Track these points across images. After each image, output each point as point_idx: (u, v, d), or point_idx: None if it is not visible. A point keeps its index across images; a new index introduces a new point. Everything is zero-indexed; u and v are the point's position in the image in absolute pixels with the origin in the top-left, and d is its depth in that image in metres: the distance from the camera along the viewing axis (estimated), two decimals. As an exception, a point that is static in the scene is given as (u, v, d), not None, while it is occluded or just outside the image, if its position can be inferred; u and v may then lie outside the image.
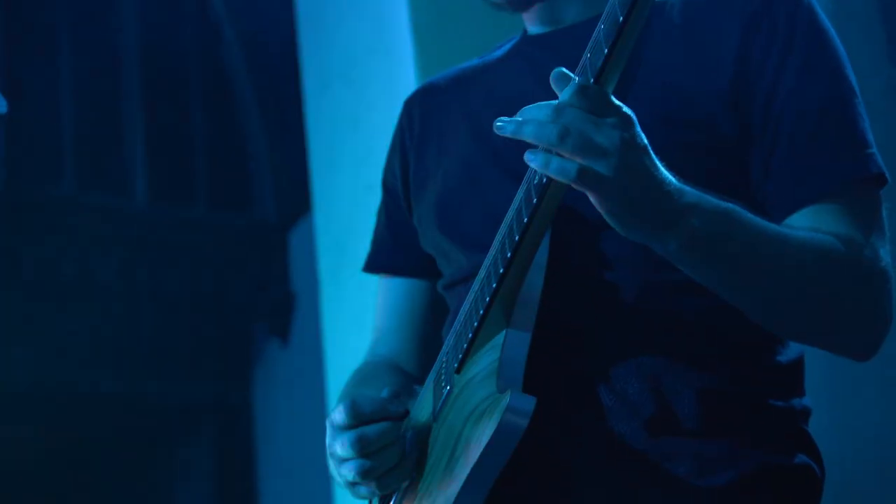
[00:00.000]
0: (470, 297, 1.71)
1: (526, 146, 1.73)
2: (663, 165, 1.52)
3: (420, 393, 1.86)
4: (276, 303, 5.86)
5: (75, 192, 5.57)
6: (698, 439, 1.64)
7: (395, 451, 1.68)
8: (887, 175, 1.70)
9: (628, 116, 1.49)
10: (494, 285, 1.62)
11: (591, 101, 1.48)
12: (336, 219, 3.44)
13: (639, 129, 1.50)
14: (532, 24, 1.93)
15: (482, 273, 1.69)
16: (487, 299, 1.63)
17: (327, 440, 1.70)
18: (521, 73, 1.90)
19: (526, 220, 1.57)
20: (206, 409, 6.24)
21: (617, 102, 1.49)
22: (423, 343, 2.04)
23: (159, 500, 6.16)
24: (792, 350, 1.74)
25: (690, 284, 1.65)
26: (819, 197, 1.70)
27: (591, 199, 1.50)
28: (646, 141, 1.50)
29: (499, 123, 1.52)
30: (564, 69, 1.51)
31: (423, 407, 1.80)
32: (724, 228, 1.58)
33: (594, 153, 1.47)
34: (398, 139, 2.05)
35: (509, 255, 1.60)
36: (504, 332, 1.64)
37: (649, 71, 1.72)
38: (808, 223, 1.69)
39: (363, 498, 1.74)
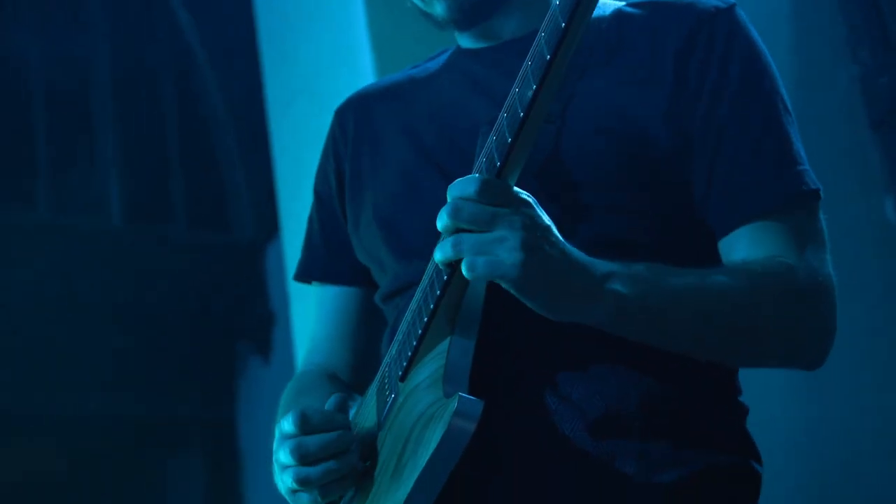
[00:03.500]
0: (412, 305, 1.72)
1: (466, 155, 1.75)
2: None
3: (363, 402, 1.87)
4: (256, 321, 5.87)
5: (50, 215, 5.58)
6: (643, 440, 1.66)
7: (337, 461, 1.68)
8: (821, 191, 1.73)
9: (526, 202, 1.52)
10: (438, 292, 1.63)
11: (486, 194, 1.50)
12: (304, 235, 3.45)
13: (539, 210, 1.53)
14: (470, 40, 1.94)
15: (424, 282, 1.69)
16: (431, 307, 1.64)
17: (273, 447, 1.71)
18: (459, 85, 1.92)
19: (446, 277, 1.58)
20: (194, 424, 6.25)
21: (515, 189, 1.52)
22: (358, 351, 2.05)
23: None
24: None
25: None
26: (761, 214, 1.73)
27: (512, 291, 1.52)
28: (548, 221, 1.53)
29: (435, 255, 1.54)
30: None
31: (367, 416, 1.80)
32: (646, 287, 1.60)
33: (492, 246, 1.50)
34: (331, 147, 2.06)
35: (439, 293, 1.60)
36: (448, 339, 1.65)
37: (587, 88, 1.73)
38: (748, 240, 1.73)
39: None
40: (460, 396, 1.55)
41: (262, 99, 4.12)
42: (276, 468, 1.72)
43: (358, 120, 2.03)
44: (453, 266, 1.56)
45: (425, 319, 1.66)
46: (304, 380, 2.01)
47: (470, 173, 1.70)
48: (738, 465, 1.72)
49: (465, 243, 1.51)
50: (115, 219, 5.73)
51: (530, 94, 1.49)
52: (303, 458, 1.66)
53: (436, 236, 1.74)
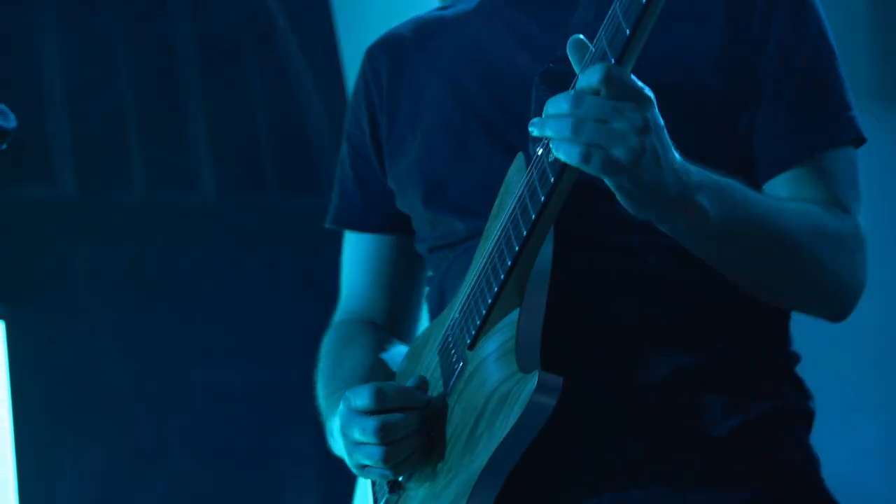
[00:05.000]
0: (476, 270, 1.71)
1: (514, 114, 1.75)
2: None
3: (414, 355, 1.87)
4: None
5: (145, 194, 5.69)
6: (711, 395, 1.71)
7: (414, 440, 1.68)
8: (865, 136, 1.76)
9: (649, 99, 1.49)
10: (510, 263, 1.62)
11: (611, 86, 1.46)
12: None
13: (657, 110, 1.50)
14: None
15: (490, 247, 1.68)
16: (502, 276, 1.63)
17: (341, 421, 1.71)
18: (500, 36, 1.89)
19: (543, 198, 1.57)
20: (302, 391, 6.31)
21: (638, 84, 1.48)
22: (396, 298, 2.07)
23: (268, 480, 6.26)
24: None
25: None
26: (808, 157, 1.74)
27: (607, 180, 1.51)
28: (662, 122, 1.51)
29: (530, 128, 1.52)
30: (583, 38, 1.52)
31: (428, 375, 1.78)
32: (727, 206, 1.60)
33: (611, 140, 1.46)
34: (363, 93, 2.04)
35: (525, 232, 1.60)
36: (518, 309, 1.63)
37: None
38: (794, 184, 1.74)
39: (369, 478, 1.76)
40: (540, 373, 1.55)
41: (338, 60, 4.17)
42: (342, 442, 1.72)
43: (392, 65, 2.00)
44: (560, 165, 1.51)
45: (496, 289, 1.64)
46: (344, 329, 2.02)
47: (521, 135, 1.72)
48: (798, 409, 1.77)
49: (585, 133, 1.46)
50: (208, 193, 5.82)
51: None
52: (384, 438, 1.66)
53: (485, 195, 1.76)
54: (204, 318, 5.67)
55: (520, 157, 1.74)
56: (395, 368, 1.93)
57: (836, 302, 1.76)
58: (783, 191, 1.75)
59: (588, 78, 1.47)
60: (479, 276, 1.70)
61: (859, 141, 1.77)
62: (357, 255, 2.07)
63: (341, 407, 1.72)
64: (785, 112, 1.73)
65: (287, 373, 6.33)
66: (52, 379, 5.47)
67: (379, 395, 1.66)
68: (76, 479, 5.55)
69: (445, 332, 1.77)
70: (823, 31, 1.79)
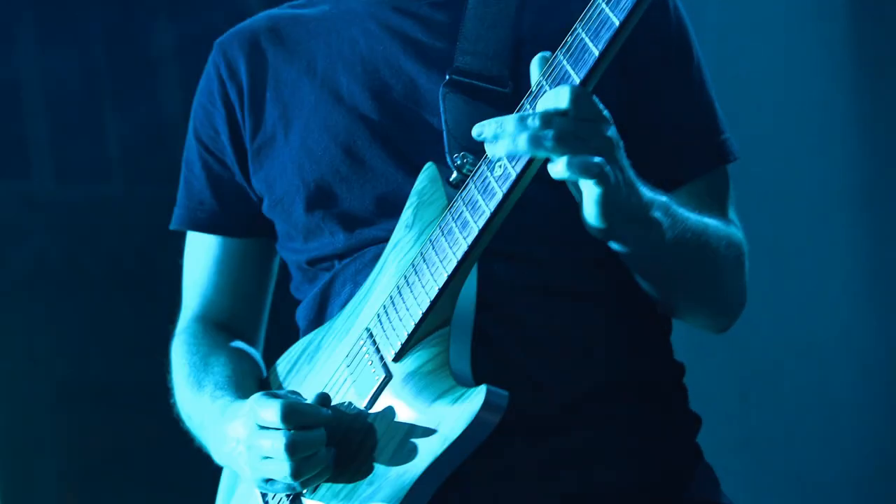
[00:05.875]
0: (393, 282, 1.71)
1: (407, 124, 1.71)
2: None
3: (305, 372, 1.86)
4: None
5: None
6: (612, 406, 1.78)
7: (324, 456, 1.71)
8: (738, 157, 1.88)
9: (609, 119, 1.56)
10: (448, 276, 1.64)
11: (579, 106, 1.52)
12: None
13: (614, 129, 1.57)
14: None
15: (413, 259, 1.68)
16: (437, 290, 1.65)
17: (245, 432, 1.73)
18: (381, 40, 1.87)
19: (490, 213, 1.59)
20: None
21: (600, 105, 1.55)
22: (247, 303, 2.08)
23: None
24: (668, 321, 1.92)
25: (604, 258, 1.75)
26: (702, 173, 1.86)
27: (588, 198, 1.56)
28: (620, 141, 1.59)
29: (477, 131, 1.56)
30: (547, 53, 1.57)
31: (332, 390, 1.80)
32: (675, 222, 1.68)
33: (591, 152, 1.52)
34: (218, 90, 2.02)
35: (466, 247, 1.62)
36: (448, 325, 1.66)
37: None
38: (691, 198, 1.83)
39: (273, 492, 1.77)
40: (489, 388, 1.59)
41: None
42: (247, 454, 1.75)
43: (251, 62, 1.98)
44: (517, 177, 1.55)
45: (431, 297, 1.65)
46: (200, 333, 2.01)
47: (416, 145, 1.70)
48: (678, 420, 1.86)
49: (567, 145, 1.50)
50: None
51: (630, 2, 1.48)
52: (294, 453, 1.69)
53: (382, 206, 1.72)
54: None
55: (430, 166, 1.75)
56: (263, 374, 1.97)
57: (733, 310, 1.85)
58: (690, 201, 1.81)
59: (555, 99, 1.50)
60: (401, 288, 1.69)
61: (733, 158, 1.88)
62: (206, 257, 2.08)
63: (246, 419, 1.73)
64: (674, 132, 1.83)
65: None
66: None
67: (289, 413, 1.68)
68: (58, 477, 5.63)
69: (355, 342, 1.76)
70: (698, 55, 1.88)
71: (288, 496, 1.79)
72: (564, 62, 1.51)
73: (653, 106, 1.80)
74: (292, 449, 1.67)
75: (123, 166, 5.65)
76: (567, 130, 1.47)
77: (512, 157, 1.51)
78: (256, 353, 2.02)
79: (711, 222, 1.78)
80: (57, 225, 5.54)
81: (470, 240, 1.59)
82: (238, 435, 1.74)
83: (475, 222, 1.57)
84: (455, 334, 1.65)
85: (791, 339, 3.57)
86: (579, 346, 1.76)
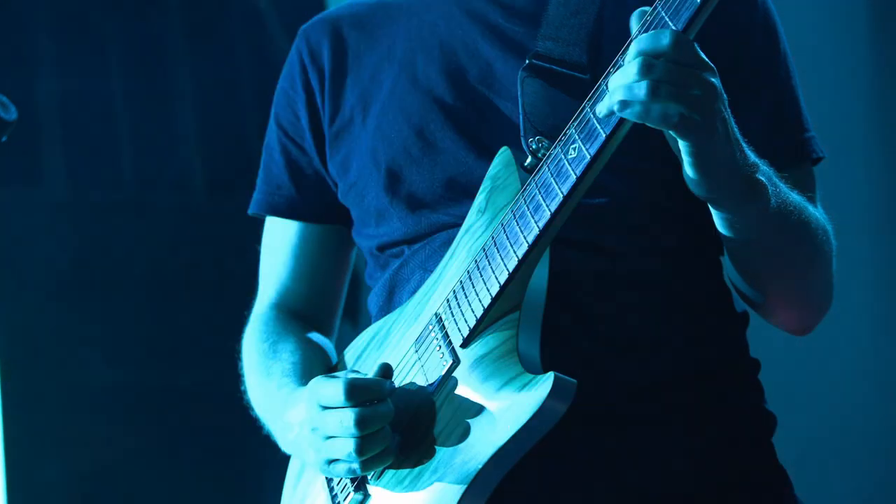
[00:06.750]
0: (463, 267, 1.66)
1: (481, 107, 1.69)
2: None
3: (374, 358, 1.82)
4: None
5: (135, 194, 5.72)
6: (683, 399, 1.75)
7: (388, 433, 1.67)
8: (825, 155, 1.85)
9: (714, 69, 1.50)
10: (517, 261, 1.59)
11: (680, 50, 1.45)
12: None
13: (719, 79, 1.51)
14: None
15: (485, 244, 1.63)
16: (507, 275, 1.60)
17: (308, 415, 1.69)
18: (460, 24, 1.85)
19: (562, 197, 1.54)
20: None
21: (700, 52, 1.49)
22: (322, 291, 2.08)
23: (248, 486, 6.25)
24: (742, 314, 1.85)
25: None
26: (789, 167, 1.75)
27: (684, 152, 1.49)
28: (724, 93, 1.53)
29: (597, 110, 1.51)
30: (647, 8, 1.51)
31: (400, 376, 1.75)
32: (779, 191, 1.61)
33: (690, 102, 1.45)
34: (300, 75, 2.02)
35: (538, 231, 1.57)
36: (518, 312, 1.61)
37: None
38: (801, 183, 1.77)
39: (337, 475, 1.74)
40: (556, 375, 1.54)
41: None
42: (310, 436, 1.70)
43: (334, 49, 1.98)
44: (590, 161, 1.50)
45: (500, 282, 1.60)
46: (271, 321, 2.00)
47: (489, 128, 1.68)
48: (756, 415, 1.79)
49: (663, 94, 1.43)
50: (198, 194, 5.83)
51: None
52: (363, 427, 1.65)
53: (450, 190, 1.69)
54: (193, 321, 5.69)
55: (505, 150, 1.71)
56: (333, 362, 1.94)
57: (822, 306, 1.78)
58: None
59: (654, 40, 1.43)
60: (471, 273, 1.65)
61: (818, 160, 1.84)
62: (284, 243, 2.08)
63: (308, 403, 1.70)
64: (762, 124, 1.76)
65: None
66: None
67: (351, 390, 1.64)
68: (65, 479, 5.62)
69: (425, 327, 1.72)
70: (788, 51, 1.83)
71: (353, 482, 1.73)
72: (663, 13, 1.46)
73: (740, 98, 1.71)
74: (361, 423, 1.63)
75: (135, 174, 5.68)
76: (666, 73, 1.43)
77: (610, 112, 1.47)
78: (329, 342, 2.01)
79: (810, 206, 1.72)
80: (69, 229, 5.55)
81: (542, 223, 1.55)
82: (300, 419, 1.72)
83: (548, 206, 1.54)
84: (525, 320, 1.60)
85: (808, 357, 3.53)
86: (646, 336, 1.71)
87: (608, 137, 1.49)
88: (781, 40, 1.81)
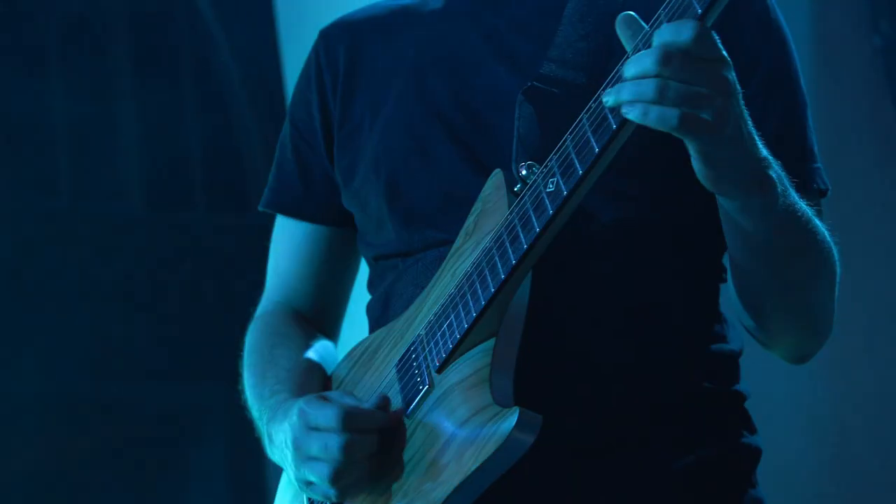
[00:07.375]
0: (448, 290, 1.65)
1: (484, 126, 1.67)
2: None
3: (362, 371, 1.81)
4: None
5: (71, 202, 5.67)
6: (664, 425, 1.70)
7: (367, 462, 1.64)
8: (829, 187, 1.77)
9: (730, 62, 1.44)
10: (493, 290, 1.57)
11: (702, 45, 1.40)
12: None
13: (734, 73, 1.45)
14: None
15: (467, 269, 1.62)
16: (483, 303, 1.58)
17: (293, 434, 1.66)
18: (472, 40, 1.80)
19: (538, 229, 1.52)
20: (215, 411, 6.28)
21: (719, 44, 1.43)
22: (327, 292, 2.00)
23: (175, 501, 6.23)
24: (735, 343, 1.78)
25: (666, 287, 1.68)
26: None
27: (690, 147, 1.45)
28: (739, 87, 1.46)
29: (604, 98, 1.45)
30: (635, 15, 1.46)
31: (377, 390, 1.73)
32: (789, 193, 1.56)
33: (699, 102, 1.40)
34: (315, 76, 1.99)
35: (514, 261, 1.55)
36: (493, 339, 1.59)
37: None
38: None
39: (312, 496, 1.72)
40: (521, 410, 1.51)
41: (280, 74, 4.14)
42: (288, 450, 1.68)
43: (350, 52, 1.94)
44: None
45: (477, 310, 1.58)
46: (273, 322, 1.98)
47: (489, 148, 1.66)
48: (745, 447, 1.74)
49: (671, 95, 1.40)
50: (137, 206, 5.80)
51: None
52: (351, 454, 1.61)
53: (444, 206, 1.69)
54: (124, 333, 5.66)
55: (497, 173, 1.69)
56: (329, 371, 1.88)
57: (823, 331, 1.72)
58: None
59: (676, 33, 1.39)
60: (452, 298, 1.64)
61: (824, 192, 1.76)
62: (290, 242, 2.04)
63: (295, 420, 1.67)
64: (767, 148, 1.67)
65: (202, 390, 6.36)
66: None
67: (346, 418, 1.62)
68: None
69: (408, 348, 1.71)
70: (800, 78, 1.77)
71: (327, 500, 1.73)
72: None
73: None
74: (344, 450, 1.62)
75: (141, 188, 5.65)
76: (675, 76, 1.39)
77: (617, 107, 1.44)
78: (331, 345, 1.98)
79: (817, 219, 1.67)
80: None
81: (517, 256, 1.55)
82: (285, 435, 1.70)
83: (524, 239, 1.53)
84: (500, 348, 1.59)
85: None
86: (632, 364, 1.68)
87: (583, 176, 1.48)
88: (794, 67, 1.78)
